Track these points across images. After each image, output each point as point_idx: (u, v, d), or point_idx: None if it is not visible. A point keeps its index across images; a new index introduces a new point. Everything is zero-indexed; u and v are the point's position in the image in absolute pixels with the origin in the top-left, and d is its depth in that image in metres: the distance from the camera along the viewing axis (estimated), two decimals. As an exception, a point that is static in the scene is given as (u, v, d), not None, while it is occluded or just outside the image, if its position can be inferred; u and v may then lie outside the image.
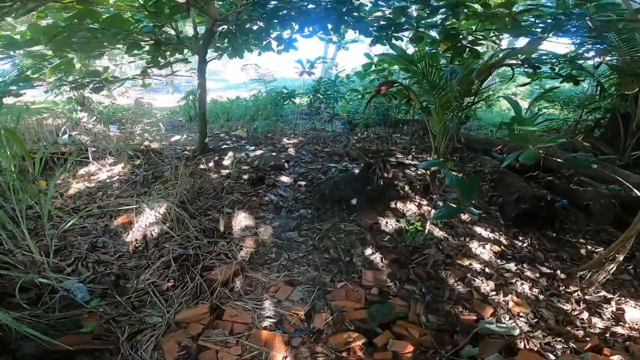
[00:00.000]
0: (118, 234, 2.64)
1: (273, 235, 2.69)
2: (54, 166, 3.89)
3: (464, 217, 3.41)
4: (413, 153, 4.82)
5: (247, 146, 4.89)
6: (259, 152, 4.52)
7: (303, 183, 3.48)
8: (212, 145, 5.04)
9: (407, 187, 3.46)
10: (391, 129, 6.50)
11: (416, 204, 3.40)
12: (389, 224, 3.02)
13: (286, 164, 3.93)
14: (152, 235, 2.60)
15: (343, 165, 3.92)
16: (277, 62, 7.43)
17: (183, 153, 4.68)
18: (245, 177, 3.59)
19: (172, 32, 4.24)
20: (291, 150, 4.62)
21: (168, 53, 4.76)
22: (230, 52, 5.09)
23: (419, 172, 4.31)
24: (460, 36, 3.24)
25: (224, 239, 2.61)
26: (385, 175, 3.14)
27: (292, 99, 6.92)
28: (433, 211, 3.39)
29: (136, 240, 2.56)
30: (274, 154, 4.46)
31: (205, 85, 4.24)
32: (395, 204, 3.26)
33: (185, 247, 2.45)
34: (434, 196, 3.58)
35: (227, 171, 3.78)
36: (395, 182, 3.24)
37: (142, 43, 4.02)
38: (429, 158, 4.76)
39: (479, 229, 3.24)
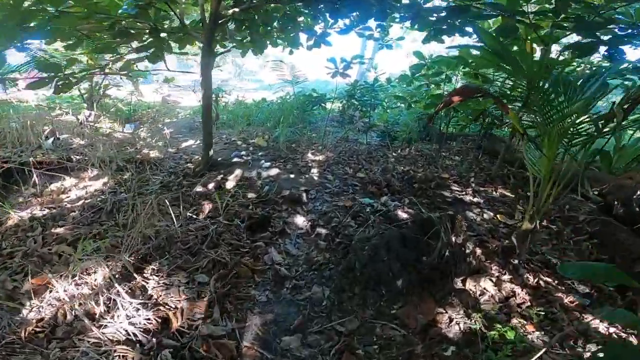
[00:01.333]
0: (24, 304, 1.59)
1: (259, 341, 1.51)
2: (24, 178, 2.98)
3: (567, 298, 2.11)
4: (473, 184, 3.47)
5: (262, 161, 3.76)
6: (273, 172, 3.37)
7: (324, 231, 2.28)
8: (223, 156, 3.97)
9: (478, 251, 2.16)
10: (437, 145, 5.13)
11: (493, 279, 2.09)
12: (454, 321, 1.76)
13: (304, 195, 2.74)
14: (65, 317, 1.52)
15: (382, 203, 2.68)
16: (310, 63, 6.28)
17: (185, 166, 3.64)
18: (248, 211, 2.45)
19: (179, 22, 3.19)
20: (314, 172, 3.43)
21: (177, 45, 3.74)
22: (250, 45, 3.99)
23: (484, 214, 2.98)
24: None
25: (175, 340, 1.47)
26: (454, 239, 1.87)
27: (322, 104, 5.73)
28: (520, 292, 2.08)
29: (40, 321, 1.50)
30: (292, 175, 3.29)
31: (210, 84, 3.15)
32: (464, 282, 1.98)
33: (103, 352, 1.34)
34: (520, 264, 2.26)
35: (225, 200, 2.66)
36: (467, 250, 1.95)
37: (134, 31, 2.99)
38: (494, 193, 3.40)
39: (594, 322, 1.92)
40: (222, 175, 3.23)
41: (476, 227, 2.64)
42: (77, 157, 3.34)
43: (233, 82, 20.06)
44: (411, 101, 3.98)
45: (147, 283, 1.78)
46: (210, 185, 3.01)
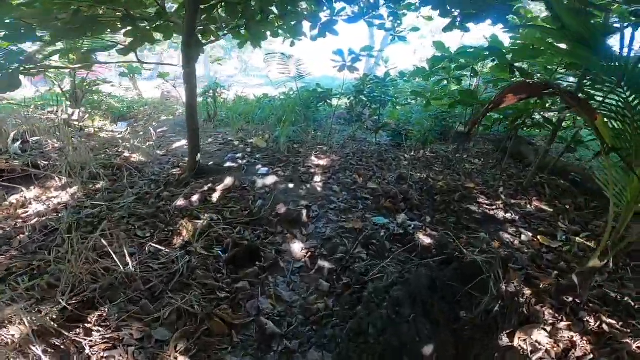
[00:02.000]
0: None
1: None
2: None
3: (635, 343, 1.62)
4: (503, 196, 2.93)
5: (259, 166, 3.27)
6: (270, 180, 2.88)
7: (327, 266, 1.78)
8: (216, 159, 3.49)
9: (526, 291, 1.65)
10: (456, 146, 4.59)
11: (547, 329, 1.58)
12: (505, 405, 1.25)
13: (305, 213, 2.24)
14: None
15: (399, 223, 2.16)
16: (315, 57, 5.75)
17: (170, 172, 3.16)
18: (234, 235, 1.96)
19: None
20: (318, 180, 2.92)
21: (161, 36, 3.24)
22: (247, 37, 3.48)
23: (522, 235, 2.45)
24: None
25: None
26: (505, 288, 1.36)
27: (328, 101, 5.21)
28: (581, 341, 1.57)
29: None
30: (291, 185, 2.79)
31: (194, 79, 2.65)
32: (511, 336, 1.47)
33: None
34: (581, 306, 1.75)
35: (207, 218, 2.17)
36: (520, 300, 1.44)
37: (101, 20, 2.50)
38: (529, 207, 2.85)
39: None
40: (210, 185, 2.75)
41: (517, 254, 2.11)
42: (47, 162, 2.88)
43: (238, 77, 19.60)
44: (431, 97, 3.43)
45: (87, 338, 1.30)
46: (195, 198, 2.53)
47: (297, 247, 1.92)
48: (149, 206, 2.39)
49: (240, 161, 3.43)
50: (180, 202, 2.46)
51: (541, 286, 1.83)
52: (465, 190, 2.90)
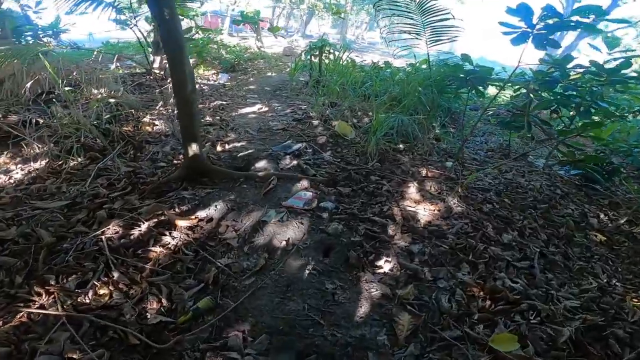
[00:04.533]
0: None
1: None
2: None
3: None
4: None
5: (303, 182, 1.80)
6: (283, 237, 1.40)
7: None
8: (259, 147, 2.20)
9: None
10: None
11: None
12: None
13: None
14: None
15: None
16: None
17: (173, 159, 2.02)
18: None
19: None
20: (381, 280, 1.26)
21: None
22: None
23: None
24: None
25: None
26: None
27: (480, 88, 3.08)
28: None
29: None
30: (313, 271, 1.24)
31: (171, 9, 1.27)
32: None
33: None
34: None
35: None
36: None
37: None
38: None
39: None
40: (187, 207, 1.48)
41: None
42: (42, 122, 2.13)
43: (380, 46, 17.42)
44: None
45: None
46: (135, 234, 1.31)
47: None
48: (61, 228, 1.32)
49: (286, 161, 2.04)
50: (109, 233, 1.29)
51: None
52: None
